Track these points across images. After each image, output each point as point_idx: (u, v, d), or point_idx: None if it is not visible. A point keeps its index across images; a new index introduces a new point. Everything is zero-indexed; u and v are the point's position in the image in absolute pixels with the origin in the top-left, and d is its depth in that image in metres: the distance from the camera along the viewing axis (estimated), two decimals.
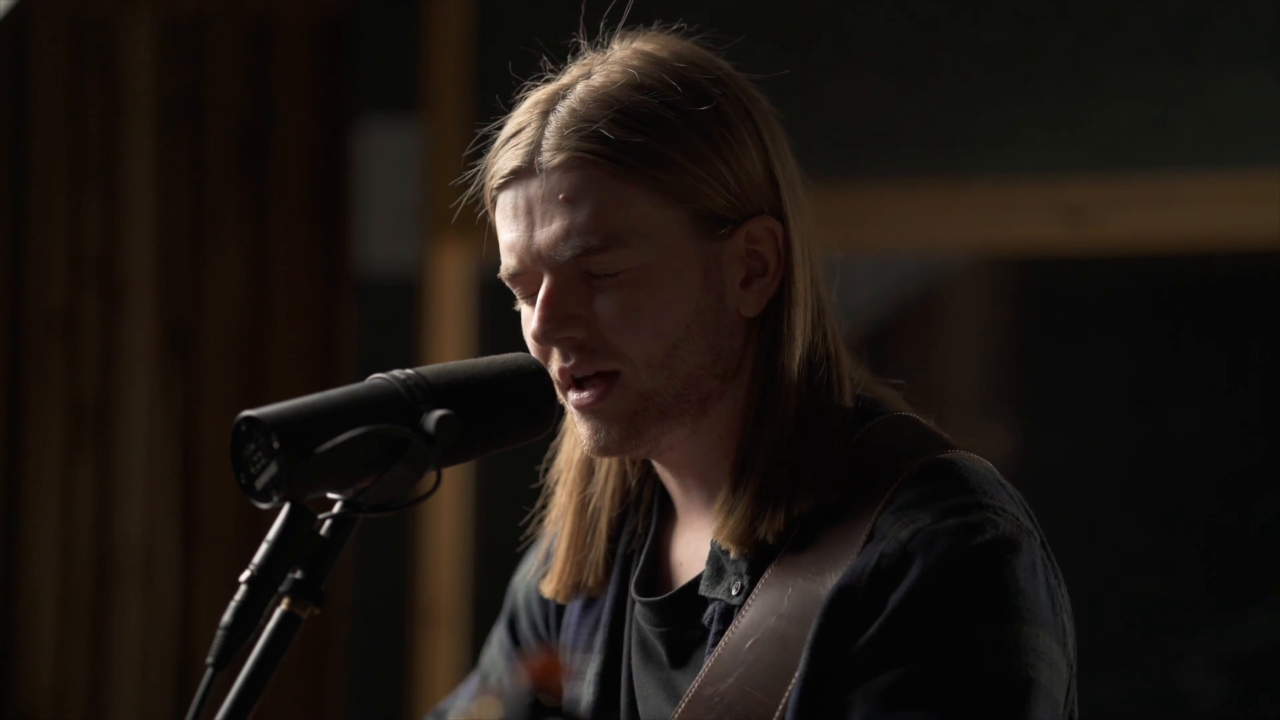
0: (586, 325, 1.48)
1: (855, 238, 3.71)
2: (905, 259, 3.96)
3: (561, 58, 1.61)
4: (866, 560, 1.41)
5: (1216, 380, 3.62)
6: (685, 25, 1.58)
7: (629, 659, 1.58)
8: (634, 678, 1.57)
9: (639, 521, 1.62)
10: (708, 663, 1.47)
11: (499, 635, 1.76)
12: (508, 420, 1.45)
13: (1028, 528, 1.44)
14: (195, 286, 3.86)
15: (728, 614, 1.49)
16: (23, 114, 3.87)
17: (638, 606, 1.57)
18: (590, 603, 1.64)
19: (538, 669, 1.18)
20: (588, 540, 1.62)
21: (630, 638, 1.58)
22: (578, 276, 1.49)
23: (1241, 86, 3.42)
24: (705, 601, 1.51)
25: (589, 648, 1.62)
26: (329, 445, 1.32)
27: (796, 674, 1.41)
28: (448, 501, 3.79)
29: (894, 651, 1.39)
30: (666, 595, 1.54)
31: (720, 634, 1.48)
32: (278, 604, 1.34)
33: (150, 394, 3.85)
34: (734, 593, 1.49)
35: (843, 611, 1.41)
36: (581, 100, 1.49)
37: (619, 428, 1.50)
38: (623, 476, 1.63)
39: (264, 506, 1.34)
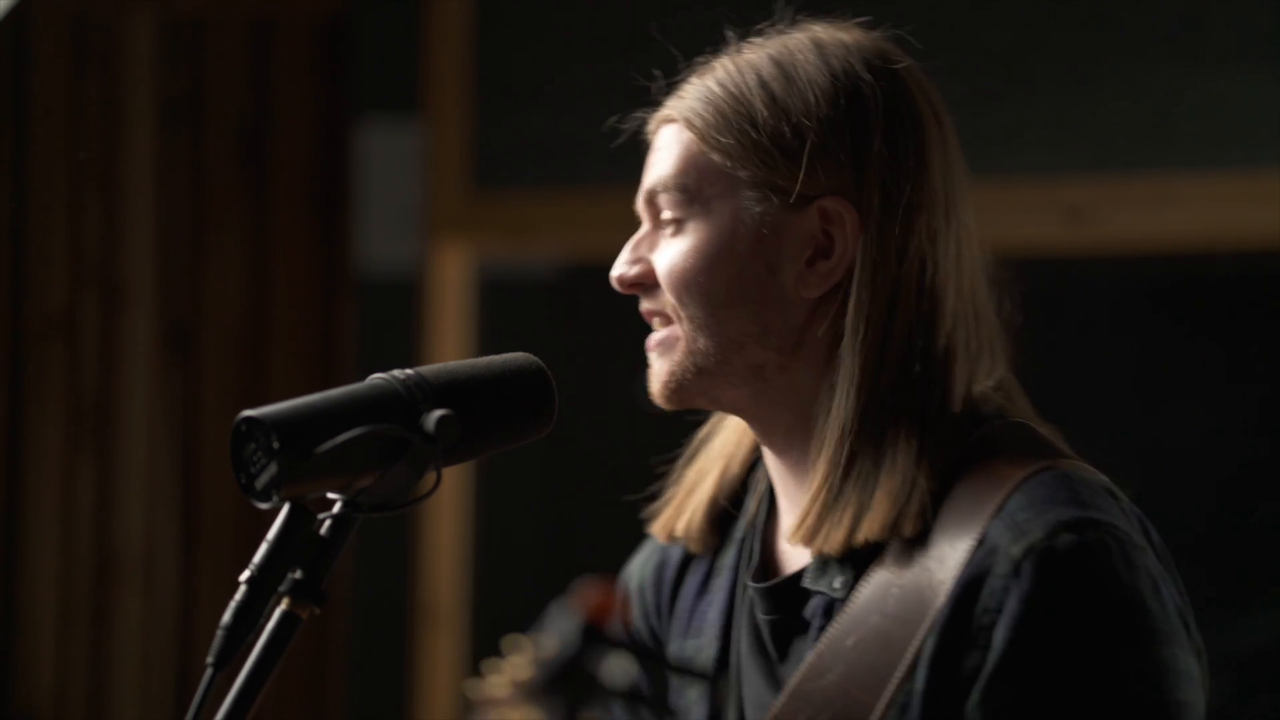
0: (650, 270, 1.56)
1: None
2: None
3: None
4: (978, 572, 1.41)
5: (1216, 380, 3.62)
6: (870, 19, 1.63)
7: (739, 644, 1.59)
8: (742, 663, 1.58)
9: (755, 505, 1.63)
10: (809, 657, 1.47)
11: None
12: (508, 420, 1.45)
13: (1139, 543, 1.43)
14: (195, 286, 3.86)
15: (830, 608, 1.49)
16: (23, 114, 3.87)
17: (749, 592, 1.57)
18: (704, 589, 1.65)
19: (593, 605, 1.17)
20: (691, 491, 1.66)
21: (741, 623, 1.59)
22: (655, 224, 1.57)
23: (1241, 86, 3.42)
24: (810, 593, 1.51)
25: (700, 633, 1.63)
26: (329, 445, 1.33)
27: (917, 686, 1.42)
28: (448, 501, 3.79)
29: (1031, 685, 1.38)
30: (772, 582, 1.55)
31: (823, 628, 1.48)
32: (278, 604, 1.34)
33: (150, 394, 3.85)
34: (837, 586, 1.49)
35: (960, 630, 1.41)
36: (714, 68, 1.57)
37: (664, 377, 1.55)
38: (736, 443, 1.66)
39: (264, 506, 1.34)
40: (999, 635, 1.39)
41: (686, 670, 1.26)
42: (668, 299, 1.54)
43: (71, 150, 3.87)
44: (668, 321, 1.55)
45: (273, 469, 1.32)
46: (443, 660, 3.79)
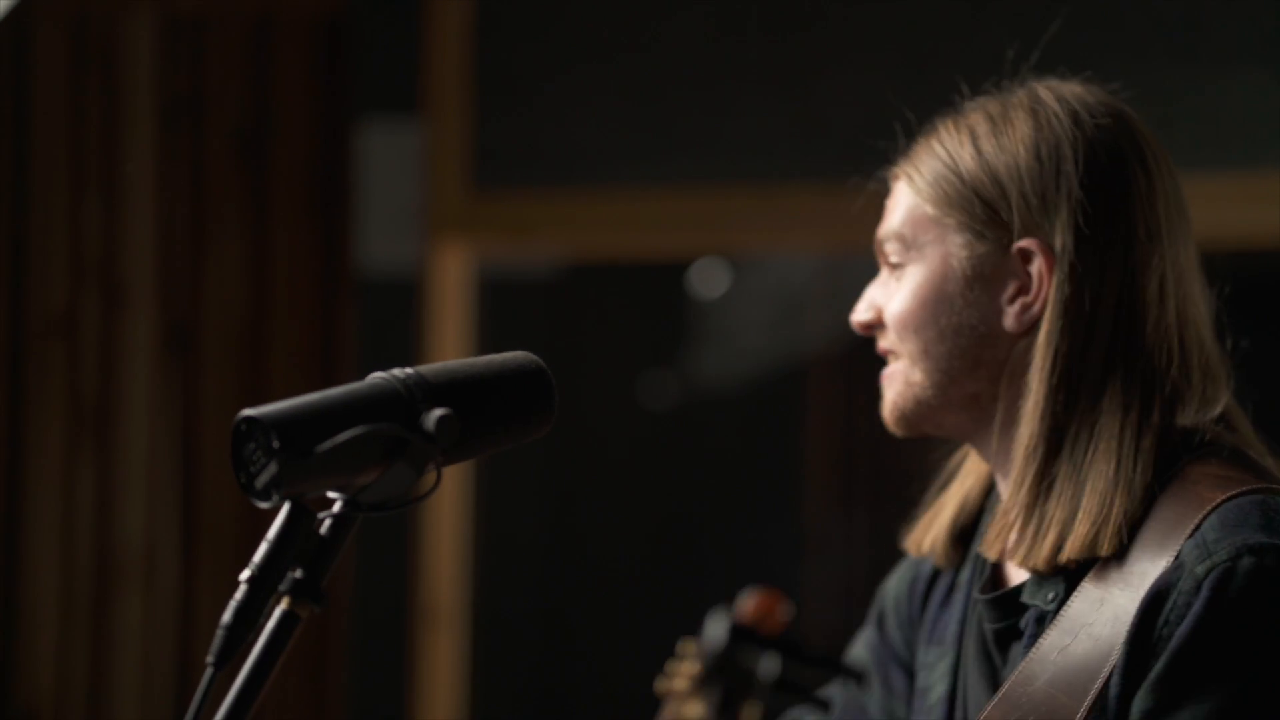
0: (877, 312, 1.73)
1: (855, 238, 3.71)
2: None
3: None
4: (1164, 587, 1.50)
5: None
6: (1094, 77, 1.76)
7: (966, 651, 1.72)
8: (967, 668, 1.71)
9: (989, 524, 1.74)
10: (1020, 664, 1.58)
11: (866, 635, 1.90)
12: (508, 419, 1.45)
13: None
14: (195, 286, 3.87)
15: (1043, 619, 1.60)
16: (23, 114, 3.87)
17: (979, 604, 1.70)
18: (946, 601, 1.79)
19: (749, 609, 1.26)
20: (938, 511, 1.80)
21: (970, 632, 1.72)
22: (888, 271, 1.74)
23: (1241, 86, 3.42)
24: (1027, 605, 1.63)
25: (940, 641, 1.76)
26: (329, 444, 1.33)
27: (1111, 693, 1.51)
28: (448, 501, 3.79)
29: (1185, 693, 1.47)
30: (994, 594, 1.67)
31: (1034, 637, 1.60)
32: (278, 603, 1.34)
33: (150, 394, 3.85)
34: (1049, 599, 1.60)
35: (1144, 640, 1.50)
36: (938, 129, 1.76)
37: (889, 407, 1.71)
38: (976, 469, 1.79)
39: (264, 506, 1.34)
40: (1170, 645, 1.48)
41: (830, 665, 1.33)
42: (891, 336, 1.71)
43: (72, 150, 3.88)
44: (895, 358, 1.71)
45: (272, 468, 1.32)
46: (443, 660, 3.79)
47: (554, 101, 3.77)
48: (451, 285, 3.83)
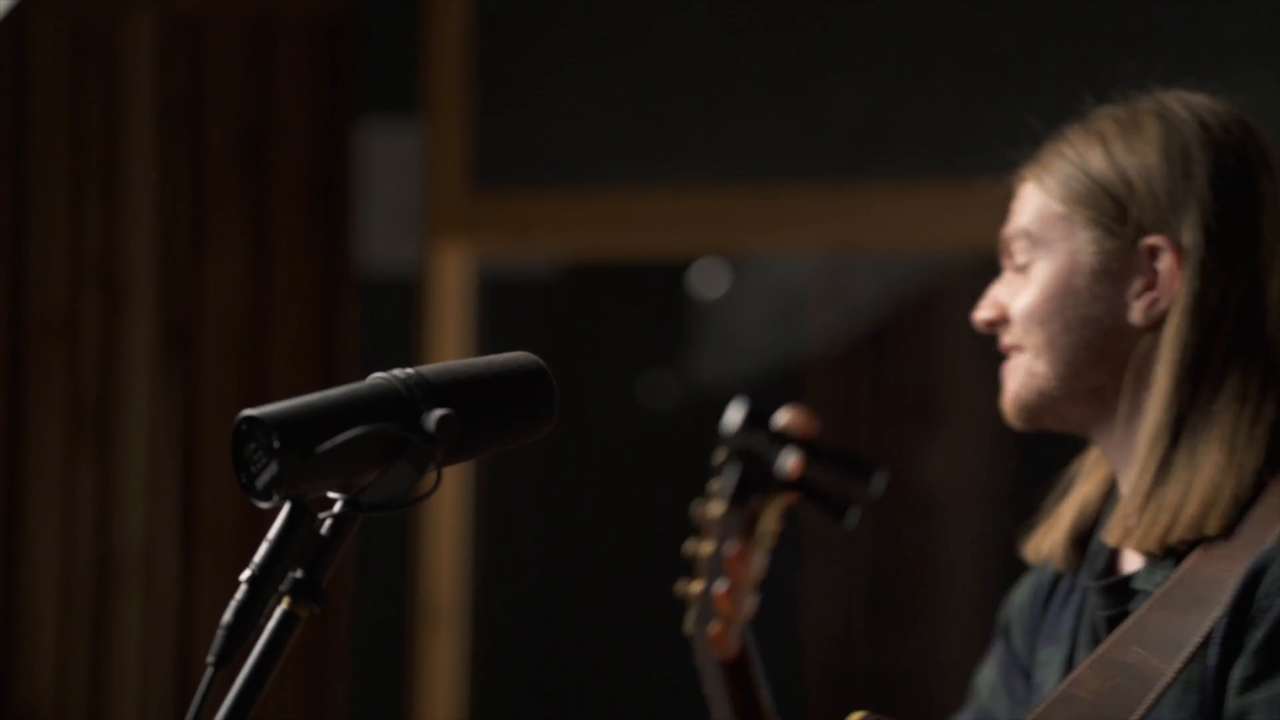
0: (1000, 309, 1.78)
1: (855, 238, 3.71)
2: (905, 259, 3.96)
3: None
4: (1264, 561, 1.57)
5: None
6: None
7: (1079, 639, 1.77)
8: (1077, 656, 1.76)
9: (1109, 517, 1.79)
10: (1118, 631, 1.64)
11: (994, 650, 1.95)
12: (508, 419, 1.46)
13: None
14: (195, 286, 3.86)
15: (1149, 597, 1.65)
16: (23, 114, 3.87)
17: (1091, 591, 1.75)
18: (1065, 602, 1.82)
19: (789, 416, 1.27)
20: (1058, 516, 1.84)
21: (1084, 621, 1.77)
22: (1013, 270, 1.79)
23: (1241, 86, 3.42)
24: (1137, 591, 1.68)
25: (1057, 639, 1.80)
26: (329, 444, 1.33)
27: (1210, 663, 1.57)
28: (448, 501, 3.79)
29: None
30: (1107, 581, 1.72)
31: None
32: (278, 603, 1.34)
33: (150, 394, 3.85)
34: (1158, 582, 1.65)
35: (1244, 612, 1.57)
36: (1067, 134, 1.81)
37: (1010, 399, 1.77)
38: (1092, 471, 1.83)
39: (264, 506, 1.35)
40: (1270, 615, 1.54)
41: (851, 462, 1.32)
42: (1016, 330, 1.76)
43: (72, 151, 3.88)
44: (1018, 352, 1.76)
45: (273, 468, 1.32)
46: (443, 660, 3.79)
47: (554, 101, 3.77)
48: (451, 285, 3.83)
